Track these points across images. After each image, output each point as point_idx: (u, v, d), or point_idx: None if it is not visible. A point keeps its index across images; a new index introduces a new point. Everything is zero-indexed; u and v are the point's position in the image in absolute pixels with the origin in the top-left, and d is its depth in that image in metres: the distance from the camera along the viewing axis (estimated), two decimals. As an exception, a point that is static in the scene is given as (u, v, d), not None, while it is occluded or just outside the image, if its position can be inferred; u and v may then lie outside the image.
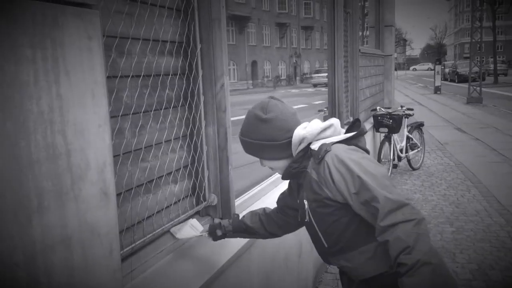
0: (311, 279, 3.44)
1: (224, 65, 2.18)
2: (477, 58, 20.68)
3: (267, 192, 2.98)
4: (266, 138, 1.67)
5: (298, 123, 1.71)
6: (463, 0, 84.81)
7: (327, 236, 1.67)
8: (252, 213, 2.02)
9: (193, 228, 1.96)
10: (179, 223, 2.03)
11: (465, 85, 20.86)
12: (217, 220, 2.10)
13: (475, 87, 18.99)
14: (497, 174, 6.87)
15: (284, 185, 3.23)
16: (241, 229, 1.99)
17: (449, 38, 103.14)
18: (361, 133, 1.69)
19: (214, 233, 1.96)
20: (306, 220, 1.71)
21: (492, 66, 34.36)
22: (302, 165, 1.68)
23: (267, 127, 1.67)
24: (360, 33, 8.86)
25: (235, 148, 3.69)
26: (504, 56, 65.55)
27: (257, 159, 1.79)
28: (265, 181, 3.03)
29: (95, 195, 1.25)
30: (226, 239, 2.10)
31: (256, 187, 2.88)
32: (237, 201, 2.46)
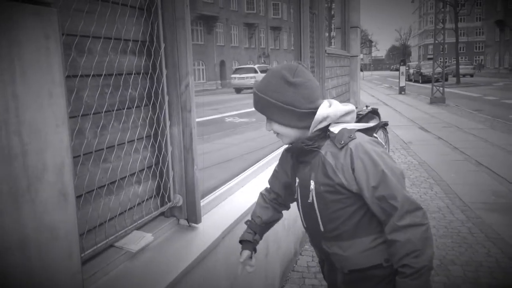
0: (278, 278, 3.46)
1: (189, 64, 2.17)
2: (440, 59, 21.25)
3: (234, 192, 2.98)
4: (288, 102, 1.58)
5: (320, 97, 1.65)
6: (427, 2, 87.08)
7: (326, 221, 1.63)
8: (261, 207, 1.98)
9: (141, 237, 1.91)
10: (144, 224, 2.01)
11: (429, 86, 21.41)
12: (247, 239, 1.97)
13: (438, 88, 19.51)
14: (459, 172, 7.07)
15: (254, 181, 3.24)
16: (266, 229, 1.99)
17: (414, 39, 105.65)
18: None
19: (255, 250, 1.94)
20: (309, 201, 1.65)
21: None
22: (316, 144, 1.61)
23: (292, 90, 1.58)
24: (327, 34, 8.96)
25: (202, 148, 3.66)
26: (466, 57, 67.61)
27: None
28: (231, 181, 3.03)
29: (53, 196, 1.22)
30: (192, 237, 2.15)
31: (222, 187, 2.87)
32: (203, 202, 2.45)
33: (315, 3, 5.79)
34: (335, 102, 1.66)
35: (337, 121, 1.60)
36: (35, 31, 1.22)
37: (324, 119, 1.59)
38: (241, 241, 1.97)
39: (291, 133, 1.65)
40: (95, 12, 1.72)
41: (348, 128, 1.58)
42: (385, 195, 1.48)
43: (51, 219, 1.22)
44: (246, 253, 1.92)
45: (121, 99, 1.88)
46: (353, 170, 1.52)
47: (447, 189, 6.22)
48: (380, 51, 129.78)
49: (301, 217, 1.79)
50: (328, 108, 1.60)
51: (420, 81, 35.86)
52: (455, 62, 36.10)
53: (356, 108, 6.41)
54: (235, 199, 2.89)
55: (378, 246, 1.59)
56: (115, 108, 1.83)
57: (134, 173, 1.94)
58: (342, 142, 1.54)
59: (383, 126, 7.35)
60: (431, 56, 31.19)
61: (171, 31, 2.12)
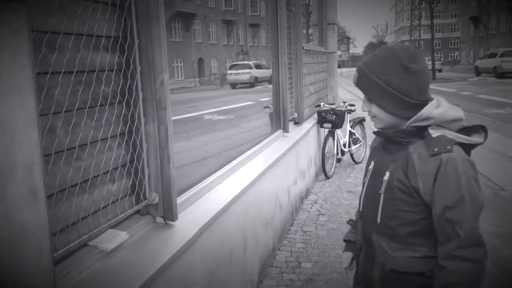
0: (256, 274, 3.47)
1: (164, 61, 2.15)
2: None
3: (211, 188, 2.97)
4: (399, 89, 1.47)
5: (428, 89, 1.55)
6: None
7: (386, 216, 1.56)
8: None
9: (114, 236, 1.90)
10: (118, 223, 1.99)
11: (405, 82, 21.63)
12: (349, 239, 1.93)
13: (414, 84, 19.74)
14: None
15: (232, 177, 3.23)
16: None
17: (390, 36, 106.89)
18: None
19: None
20: (379, 192, 1.57)
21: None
22: (407, 139, 1.52)
23: (407, 77, 1.47)
24: (305, 31, 9.00)
25: (180, 146, 3.63)
26: (441, 53, 68.74)
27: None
28: (208, 178, 3.02)
29: (22, 195, 1.20)
30: (168, 235, 2.14)
31: (200, 184, 2.86)
32: (180, 199, 2.43)
33: (292, 0, 5.80)
34: (444, 103, 1.54)
35: (441, 124, 1.51)
36: (2, 27, 1.20)
37: (428, 119, 1.50)
38: (345, 240, 1.94)
39: (389, 119, 1.57)
40: (66, 8, 1.69)
41: (448, 136, 1.48)
42: (454, 220, 1.42)
43: (21, 218, 1.20)
44: (348, 255, 1.89)
45: (93, 97, 1.85)
46: (434, 181, 1.44)
47: (423, 183, 6.31)
48: (358, 48, 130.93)
49: (360, 200, 1.73)
50: (436, 109, 1.50)
51: (397, 77, 36.21)
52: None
53: (334, 104, 6.46)
54: (213, 196, 2.88)
55: (428, 257, 1.53)
56: (88, 106, 1.81)
57: (108, 171, 1.92)
58: (436, 150, 1.44)
59: (361, 122, 7.46)
60: (408, 53, 31.52)
61: (145, 28, 2.10)
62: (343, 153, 7.25)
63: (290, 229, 4.73)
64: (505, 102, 15.47)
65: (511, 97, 16.42)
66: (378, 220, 1.59)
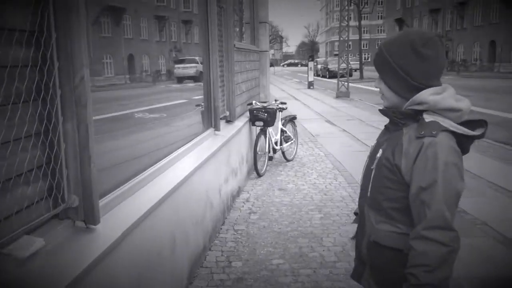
0: (185, 275, 3.42)
1: (84, 56, 2.05)
2: (345, 55, 22.28)
3: (139, 189, 2.88)
4: (406, 70, 1.55)
5: (439, 77, 1.60)
6: (333, 0, 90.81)
7: (374, 191, 1.69)
8: None
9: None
10: (35, 228, 1.87)
11: (335, 81, 22.37)
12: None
13: (343, 83, 20.45)
14: (361, 162, 7.41)
15: (160, 177, 3.15)
16: None
17: (321, 36, 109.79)
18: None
19: None
20: (371, 167, 1.71)
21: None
22: (403, 120, 1.61)
23: (416, 60, 1.54)
24: (238, 29, 9.00)
25: (107, 146, 3.49)
26: (369, 54, 71.60)
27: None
28: (135, 178, 2.92)
29: None
30: (89, 240, 2.05)
31: (125, 185, 2.76)
32: (102, 201, 2.33)
33: (223, -4, 5.78)
34: (447, 92, 1.58)
35: (436, 111, 1.56)
36: None
37: (422, 103, 1.56)
38: (355, 213, 2.05)
39: (394, 99, 1.65)
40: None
41: (440, 123, 1.53)
42: (425, 201, 1.48)
43: None
44: (355, 227, 1.98)
45: (5, 94, 1.72)
46: (414, 162, 1.51)
47: (350, 178, 6.54)
48: (291, 47, 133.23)
49: (362, 172, 1.85)
50: (432, 96, 1.55)
51: (328, 76, 37.37)
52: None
53: (266, 102, 6.52)
54: (140, 196, 2.80)
55: (406, 235, 1.58)
56: (-2, 104, 1.68)
57: (21, 174, 1.79)
58: (422, 133, 1.52)
59: (292, 120, 7.59)
60: (337, 53, 32.62)
61: (63, 21, 1.99)
62: (274, 151, 7.33)
63: (221, 228, 4.71)
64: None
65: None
66: (369, 194, 1.73)
